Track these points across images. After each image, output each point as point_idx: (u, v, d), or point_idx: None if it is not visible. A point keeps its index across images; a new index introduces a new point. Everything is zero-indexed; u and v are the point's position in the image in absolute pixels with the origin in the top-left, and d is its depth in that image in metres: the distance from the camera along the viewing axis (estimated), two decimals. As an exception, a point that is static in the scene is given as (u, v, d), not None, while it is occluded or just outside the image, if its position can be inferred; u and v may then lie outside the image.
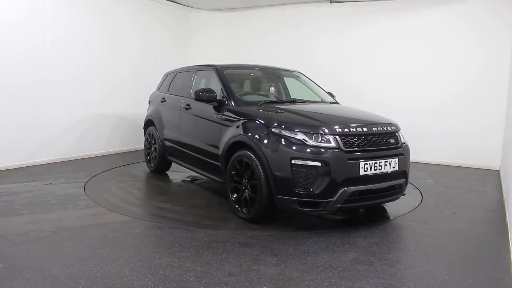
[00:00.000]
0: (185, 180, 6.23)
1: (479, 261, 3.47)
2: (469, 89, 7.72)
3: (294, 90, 5.96)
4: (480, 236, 4.12)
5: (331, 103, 5.53)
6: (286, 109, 4.57)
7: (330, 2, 8.84)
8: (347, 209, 4.60)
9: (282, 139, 4.02)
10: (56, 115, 7.07)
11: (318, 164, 3.86)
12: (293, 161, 3.89)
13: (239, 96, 5.04)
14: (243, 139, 4.34)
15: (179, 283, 2.91)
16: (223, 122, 4.78)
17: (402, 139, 4.52)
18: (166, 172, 6.68)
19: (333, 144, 3.95)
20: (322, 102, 5.56)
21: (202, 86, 5.58)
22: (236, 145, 4.48)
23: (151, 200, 5.22)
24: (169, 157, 6.23)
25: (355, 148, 4.04)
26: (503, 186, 6.06)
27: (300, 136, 3.98)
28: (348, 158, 3.94)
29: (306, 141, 3.95)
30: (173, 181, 6.26)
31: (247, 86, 5.70)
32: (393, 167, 4.22)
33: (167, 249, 3.57)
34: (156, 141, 6.42)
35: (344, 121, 4.32)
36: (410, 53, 8.17)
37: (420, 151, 8.14)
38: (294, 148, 3.94)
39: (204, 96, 4.90)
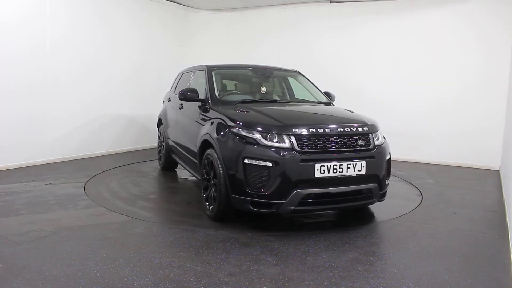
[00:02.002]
0: (186, 178, 6.26)
1: (479, 261, 3.47)
2: (469, 89, 7.72)
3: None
4: (480, 236, 4.12)
5: (320, 103, 5.36)
6: (255, 109, 4.47)
7: (330, 2, 8.84)
8: (304, 212, 4.37)
9: (239, 139, 4.00)
10: (56, 115, 7.07)
11: (270, 164, 3.79)
12: (245, 161, 3.87)
13: (218, 96, 5.03)
14: (207, 138, 4.41)
15: (179, 283, 2.91)
16: (200, 121, 4.87)
17: (376, 141, 4.24)
18: (176, 169, 6.78)
19: (287, 144, 3.86)
20: (309, 102, 5.44)
21: (197, 85, 5.61)
22: (205, 144, 4.52)
23: (140, 197, 5.21)
24: (172, 155, 6.30)
25: (311, 149, 3.89)
26: (503, 186, 6.06)
27: (255, 135, 3.94)
28: (302, 159, 3.81)
29: (261, 141, 3.90)
30: (180, 178, 6.32)
31: (236, 86, 5.71)
32: (359, 170, 3.98)
33: (167, 249, 3.57)
34: (164, 139, 6.61)
35: (306, 121, 4.17)
36: (410, 53, 8.17)
37: (420, 151, 8.16)
38: (247, 147, 3.90)
39: (187, 95, 4.99)
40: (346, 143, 4.04)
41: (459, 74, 7.79)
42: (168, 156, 6.50)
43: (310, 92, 5.66)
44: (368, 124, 4.30)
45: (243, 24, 9.82)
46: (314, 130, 3.96)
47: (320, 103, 5.37)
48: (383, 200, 4.46)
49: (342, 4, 8.73)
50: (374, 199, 4.24)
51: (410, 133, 8.24)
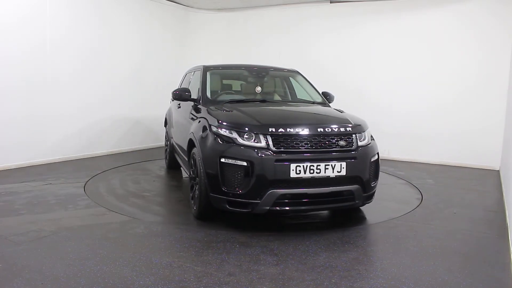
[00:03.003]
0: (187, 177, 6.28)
1: (479, 261, 3.47)
2: (469, 89, 7.72)
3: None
4: (480, 236, 4.12)
5: (314, 103, 5.30)
6: (240, 109, 4.44)
7: (330, 2, 8.85)
8: (280, 213, 4.32)
9: (217, 138, 4.02)
10: (56, 115, 7.07)
11: (244, 164, 3.79)
12: (222, 160, 3.87)
13: (209, 96, 5.06)
14: (192, 137, 4.46)
15: (179, 283, 2.91)
16: (190, 120, 4.91)
17: (360, 142, 4.15)
18: (181, 168, 6.77)
19: (263, 144, 3.84)
20: (302, 102, 5.40)
21: (196, 85, 5.62)
22: (191, 143, 4.56)
23: (135, 194, 5.21)
24: (175, 154, 6.36)
25: (286, 149, 3.86)
26: (503, 186, 6.06)
27: (233, 135, 3.95)
28: (277, 159, 3.79)
29: (237, 140, 3.90)
30: (184, 177, 6.34)
31: (231, 86, 5.71)
32: (338, 172, 3.90)
33: (167, 249, 3.57)
34: (168, 138, 6.77)
35: (285, 121, 4.10)
36: (410, 53, 8.17)
37: (420, 151, 8.16)
38: (224, 146, 3.92)
39: (179, 95, 5.04)
40: (326, 143, 3.98)
41: (459, 74, 7.79)
42: (172, 155, 6.57)
43: (307, 92, 5.62)
44: (352, 125, 4.21)
45: (243, 24, 9.82)
46: (292, 130, 3.92)
47: (313, 103, 5.31)
48: (370, 202, 4.37)
49: (342, 4, 8.73)
50: (357, 201, 4.11)
51: (410, 133, 8.24)
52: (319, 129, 3.99)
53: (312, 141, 3.94)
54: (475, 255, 3.63)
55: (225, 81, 5.77)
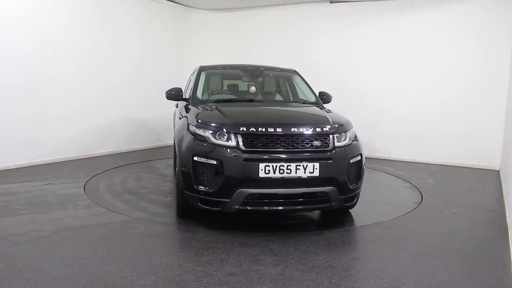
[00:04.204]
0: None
1: (479, 261, 3.47)
2: (469, 89, 7.72)
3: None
4: (480, 236, 4.12)
5: (305, 103, 5.23)
6: (221, 108, 4.44)
7: (330, 2, 8.85)
8: (251, 212, 4.22)
9: (192, 137, 4.08)
10: (56, 115, 7.07)
11: (214, 162, 3.82)
12: (194, 158, 3.91)
13: (199, 95, 5.12)
14: (174, 136, 4.54)
15: (179, 283, 2.91)
16: (178, 120, 4.98)
17: (338, 142, 4.05)
18: None
19: (233, 143, 3.85)
20: (292, 102, 5.36)
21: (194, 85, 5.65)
22: (174, 142, 4.64)
23: (135, 194, 5.21)
24: None
25: (256, 149, 3.83)
26: (503, 186, 6.06)
27: (206, 134, 3.98)
28: (245, 158, 3.78)
29: (210, 139, 3.93)
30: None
31: (223, 86, 5.71)
32: (310, 172, 3.82)
33: (167, 249, 3.57)
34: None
35: (258, 120, 4.06)
36: (410, 53, 8.17)
37: (420, 151, 8.16)
38: (197, 145, 3.97)
39: (170, 95, 5.11)
40: (298, 143, 3.92)
41: (459, 74, 7.79)
42: (175, 155, 6.61)
43: (301, 92, 5.58)
44: (329, 125, 4.12)
45: (243, 24, 9.82)
46: (263, 129, 3.89)
47: (304, 103, 5.26)
48: (351, 205, 4.28)
49: (342, 4, 8.73)
50: (334, 204, 3.99)
51: (410, 133, 8.25)
52: (292, 129, 3.95)
53: (284, 141, 3.90)
54: (475, 255, 3.63)
55: (219, 81, 5.76)
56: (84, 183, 5.75)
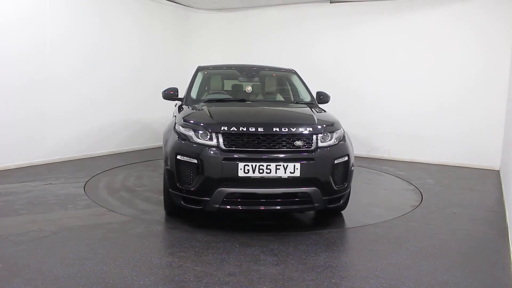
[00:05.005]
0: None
1: (479, 261, 3.47)
2: (469, 89, 7.72)
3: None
4: (480, 236, 4.12)
5: (297, 103, 5.18)
6: (209, 108, 4.45)
7: (330, 2, 8.85)
8: (230, 212, 4.25)
9: (176, 136, 4.14)
10: (56, 115, 7.07)
11: (195, 161, 3.85)
12: (178, 157, 3.96)
13: (192, 95, 5.16)
14: (163, 135, 4.59)
15: (179, 283, 2.91)
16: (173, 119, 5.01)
17: (322, 143, 4.00)
18: None
19: (214, 142, 3.88)
20: (284, 102, 5.32)
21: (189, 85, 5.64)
22: None
23: (136, 193, 5.22)
24: None
25: (236, 148, 3.85)
26: (503, 186, 6.06)
27: (189, 133, 4.03)
28: (225, 157, 3.79)
29: (192, 138, 3.97)
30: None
31: (218, 86, 5.71)
32: (291, 172, 3.79)
33: (167, 249, 3.57)
34: None
35: (239, 120, 4.04)
36: (410, 53, 8.17)
37: (420, 151, 8.16)
38: (181, 144, 4.02)
39: (166, 94, 5.19)
40: (279, 143, 3.90)
41: (459, 74, 7.79)
42: None
43: (297, 92, 5.53)
44: (314, 125, 4.08)
45: (243, 24, 9.82)
46: (244, 128, 3.88)
47: (297, 103, 5.21)
48: (337, 206, 4.19)
49: (342, 4, 8.73)
50: (316, 205, 3.93)
51: (410, 133, 8.25)
52: (274, 129, 3.91)
53: (266, 141, 3.89)
54: (475, 255, 3.64)
55: (214, 81, 5.76)
56: (84, 183, 5.75)
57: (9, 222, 4.10)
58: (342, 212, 4.66)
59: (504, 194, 5.62)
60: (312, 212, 4.71)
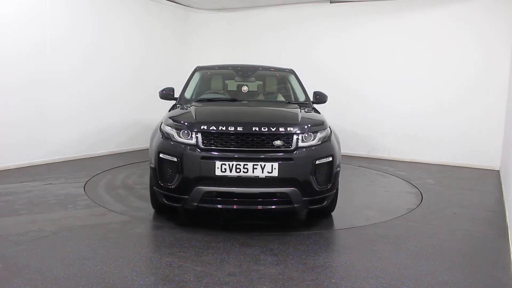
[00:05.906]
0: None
1: (479, 261, 3.47)
2: (469, 89, 7.72)
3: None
4: (480, 236, 4.12)
5: (289, 103, 5.11)
6: (196, 108, 4.47)
7: (330, 2, 8.85)
8: (208, 210, 4.29)
9: (160, 134, 4.21)
10: (56, 114, 7.07)
11: (175, 159, 3.92)
12: (160, 155, 4.03)
13: (186, 95, 5.22)
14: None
15: (179, 283, 2.91)
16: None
17: (303, 142, 3.95)
18: None
19: (193, 141, 3.93)
20: (276, 102, 5.28)
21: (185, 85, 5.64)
22: None
23: (135, 194, 5.21)
24: None
25: (214, 147, 3.88)
26: (503, 186, 6.06)
27: (172, 132, 4.09)
28: (203, 156, 3.83)
29: (174, 136, 4.04)
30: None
31: (215, 86, 5.69)
32: (269, 172, 3.77)
33: (167, 249, 3.57)
34: None
35: (219, 119, 4.05)
36: (410, 53, 8.17)
37: (420, 151, 8.16)
38: (163, 142, 4.09)
39: (163, 94, 5.26)
40: (258, 143, 3.88)
41: (459, 74, 7.79)
42: None
43: (292, 92, 5.49)
44: (294, 125, 4.02)
45: (243, 24, 9.82)
46: (223, 128, 3.90)
47: (288, 103, 5.14)
48: (323, 207, 4.12)
49: (342, 4, 8.73)
50: (295, 205, 3.88)
51: (410, 133, 8.25)
52: (254, 128, 3.90)
53: (244, 140, 3.89)
54: (475, 255, 3.64)
55: (210, 81, 5.72)
56: (84, 183, 5.75)
57: (9, 222, 4.10)
58: (341, 212, 4.66)
59: (504, 194, 5.62)
60: (312, 212, 4.71)
